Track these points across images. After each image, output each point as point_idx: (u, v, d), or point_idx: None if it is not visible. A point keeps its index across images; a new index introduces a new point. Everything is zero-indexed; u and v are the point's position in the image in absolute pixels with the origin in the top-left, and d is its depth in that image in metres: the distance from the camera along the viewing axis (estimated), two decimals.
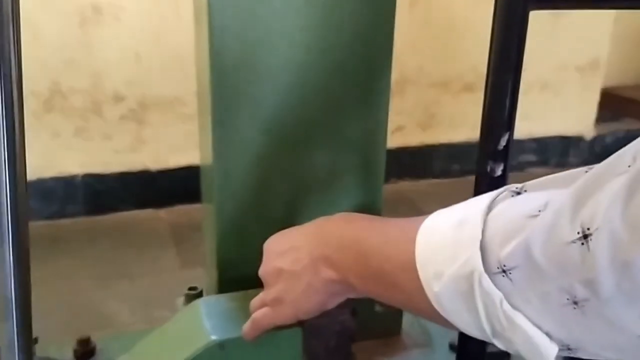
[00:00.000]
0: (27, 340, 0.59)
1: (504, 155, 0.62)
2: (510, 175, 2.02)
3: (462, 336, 0.79)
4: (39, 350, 0.86)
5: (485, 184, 0.64)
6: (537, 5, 0.62)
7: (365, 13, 0.77)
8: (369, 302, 0.98)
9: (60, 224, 1.78)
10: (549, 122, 2.25)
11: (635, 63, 2.61)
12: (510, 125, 0.62)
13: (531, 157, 2.24)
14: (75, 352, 0.93)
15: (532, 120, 2.16)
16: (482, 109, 0.63)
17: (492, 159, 0.62)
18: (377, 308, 1.01)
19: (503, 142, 0.61)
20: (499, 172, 0.62)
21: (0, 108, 0.52)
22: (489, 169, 0.62)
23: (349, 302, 0.76)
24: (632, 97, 2.36)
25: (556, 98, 2.21)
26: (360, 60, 0.79)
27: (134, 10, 1.66)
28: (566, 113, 2.26)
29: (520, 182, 0.42)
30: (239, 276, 0.90)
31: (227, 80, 0.79)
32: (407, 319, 1.05)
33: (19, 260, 0.54)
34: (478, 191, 0.65)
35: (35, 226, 1.67)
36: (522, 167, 2.23)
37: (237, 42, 0.76)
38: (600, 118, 2.27)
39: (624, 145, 0.33)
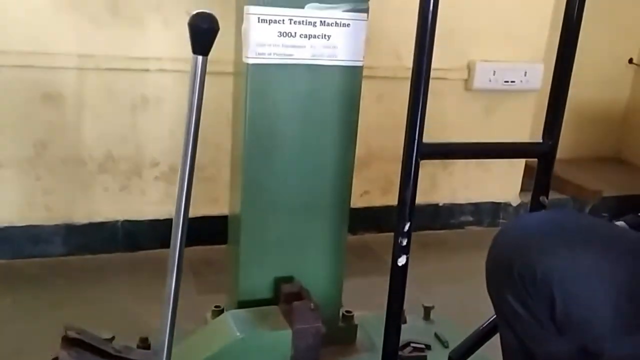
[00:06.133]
0: (176, 295, 0.86)
1: (408, 234, 1.08)
2: (451, 231, 2.60)
3: (385, 341, 1.09)
4: (115, 343, 1.15)
5: (399, 249, 1.09)
6: (426, 157, 1.06)
7: (337, 124, 1.16)
8: (334, 320, 1.29)
9: (104, 257, 1.96)
10: (483, 191, 2.41)
11: None
12: (410, 218, 1.08)
13: (469, 218, 2.42)
14: (138, 346, 1.23)
15: (469, 189, 2.41)
16: (395, 210, 1.07)
17: (401, 235, 1.08)
18: (340, 324, 1.31)
19: (406, 227, 1.08)
20: (404, 242, 1.08)
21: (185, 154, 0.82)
22: (399, 241, 1.09)
23: (318, 315, 1.10)
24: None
25: (489, 172, 2.39)
26: (335, 146, 1.17)
27: (172, 100, 1.91)
28: (497, 184, 2.42)
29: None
30: (255, 299, 1.20)
31: (254, 154, 1.12)
32: (360, 332, 1.32)
33: (176, 261, 0.88)
34: (395, 251, 1.10)
35: (86, 259, 1.95)
36: (461, 225, 2.41)
37: (262, 129, 1.11)
38: (525, 188, 2.39)
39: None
